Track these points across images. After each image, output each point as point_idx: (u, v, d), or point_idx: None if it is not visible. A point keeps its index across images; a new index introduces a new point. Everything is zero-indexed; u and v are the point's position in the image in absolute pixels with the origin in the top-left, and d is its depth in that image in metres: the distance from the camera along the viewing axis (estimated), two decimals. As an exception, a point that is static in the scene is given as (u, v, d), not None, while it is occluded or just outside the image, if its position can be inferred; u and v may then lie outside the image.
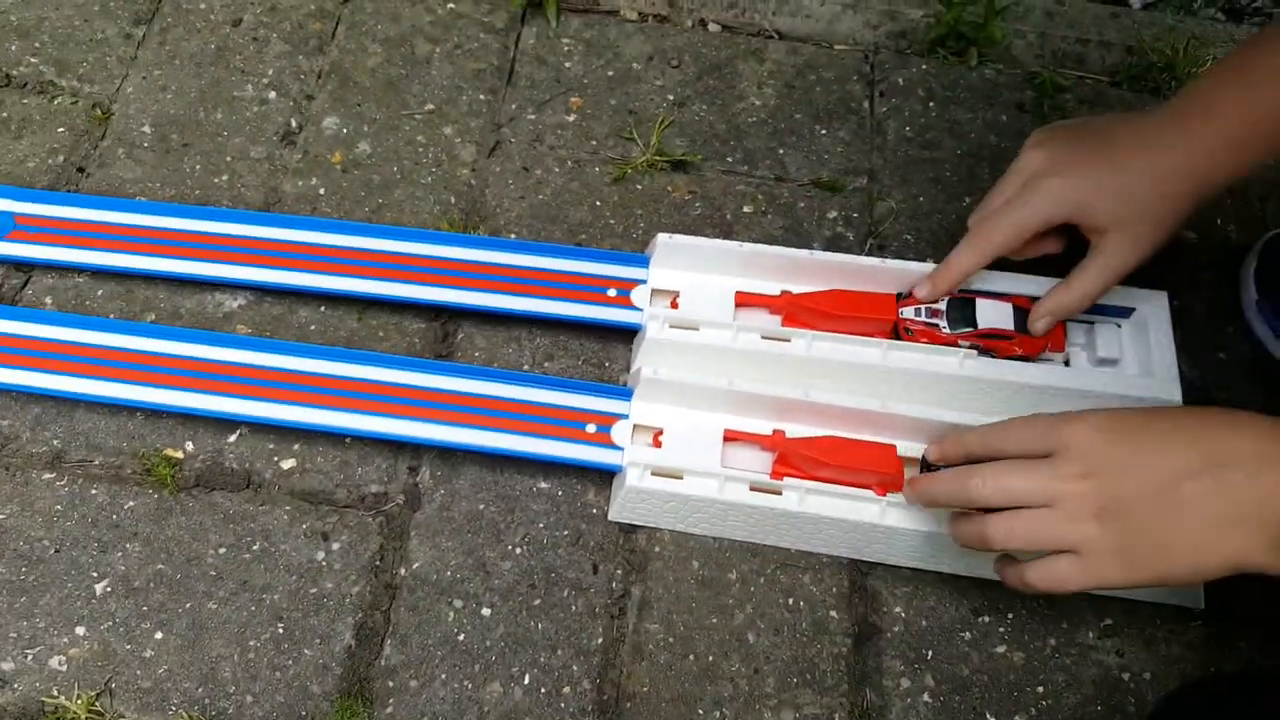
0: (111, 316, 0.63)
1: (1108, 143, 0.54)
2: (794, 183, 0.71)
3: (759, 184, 0.70)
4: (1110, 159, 0.53)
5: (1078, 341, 0.62)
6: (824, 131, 0.73)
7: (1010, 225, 0.55)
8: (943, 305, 0.60)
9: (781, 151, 0.72)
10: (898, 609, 0.57)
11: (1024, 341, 0.59)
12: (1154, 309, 0.62)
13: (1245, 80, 0.52)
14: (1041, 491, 0.46)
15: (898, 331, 0.61)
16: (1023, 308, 0.60)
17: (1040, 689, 0.56)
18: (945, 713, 0.55)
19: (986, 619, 0.57)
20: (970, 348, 0.60)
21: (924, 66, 0.76)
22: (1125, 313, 0.62)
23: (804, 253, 0.63)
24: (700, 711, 0.54)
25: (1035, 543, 0.46)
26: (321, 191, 0.68)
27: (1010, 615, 0.57)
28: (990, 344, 0.60)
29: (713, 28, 0.77)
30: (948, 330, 0.60)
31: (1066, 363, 0.62)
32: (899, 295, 0.62)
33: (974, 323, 0.60)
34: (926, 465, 0.55)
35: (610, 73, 0.74)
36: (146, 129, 0.70)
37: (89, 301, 0.64)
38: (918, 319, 0.60)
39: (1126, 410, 0.47)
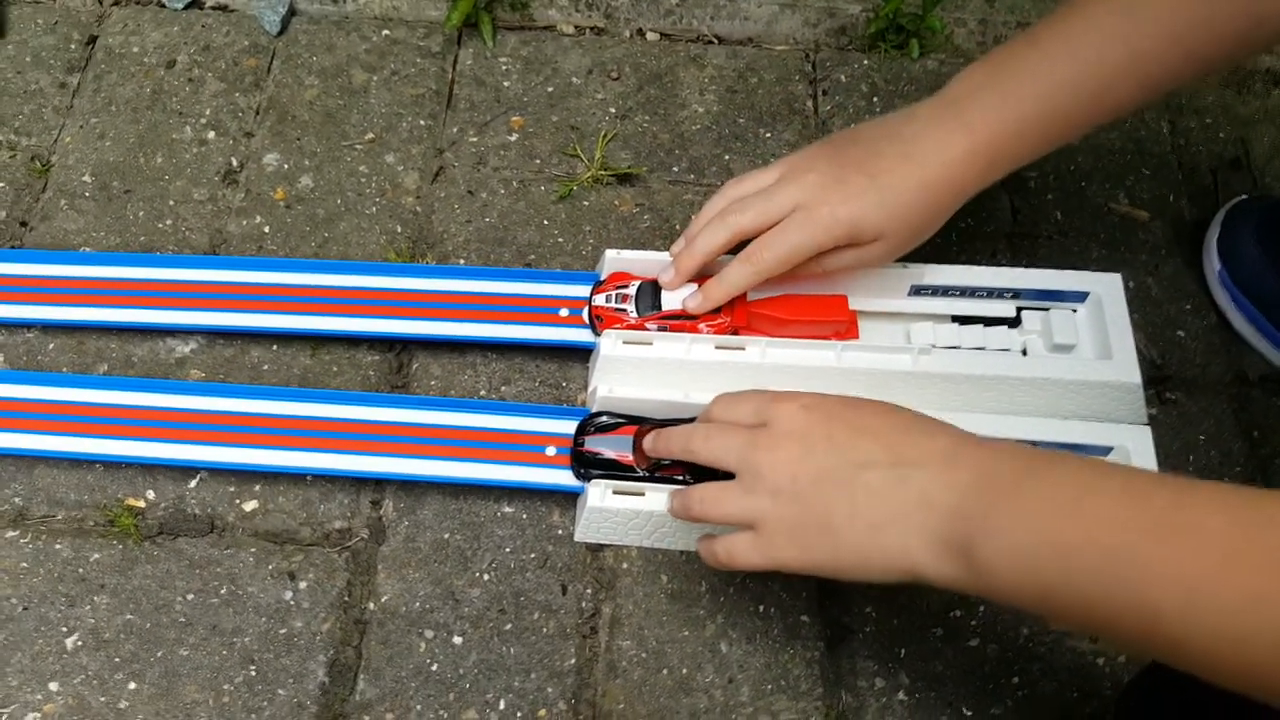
0: (64, 370, 0.67)
1: (873, 157, 0.58)
2: (743, 188, 0.75)
3: (707, 192, 0.75)
4: (876, 178, 0.57)
5: (1034, 328, 0.67)
6: (769, 134, 0.78)
7: (787, 250, 0.59)
8: (632, 291, 0.65)
9: (727, 158, 0.77)
10: (869, 609, 0.62)
11: (706, 318, 0.64)
12: (1109, 291, 0.67)
13: (998, 91, 0.56)
14: (736, 457, 0.50)
15: (590, 320, 0.66)
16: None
17: (1015, 679, 0.60)
18: (921, 709, 0.59)
19: (958, 613, 0.62)
20: (658, 329, 0.64)
21: (865, 62, 0.81)
22: (1080, 297, 0.67)
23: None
24: (676, 724, 0.58)
25: (717, 512, 0.51)
26: (266, 230, 0.73)
27: (981, 609, 0.62)
28: (677, 325, 0.64)
29: (651, 36, 0.82)
30: (635, 315, 0.65)
31: (1024, 351, 0.67)
32: (596, 281, 0.67)
33: (659, 306, 0.64)
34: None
35: (550, 89, 0.79)
36: (87, 178, 0.74)
37: (40, 356, 0.68)
38: (608, 305, 0.65)
39: (840, 398, 0.51)
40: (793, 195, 0.58)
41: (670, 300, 0.64)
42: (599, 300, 0.66)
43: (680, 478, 0.60)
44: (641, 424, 0.61)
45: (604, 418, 0.62)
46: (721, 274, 0.62)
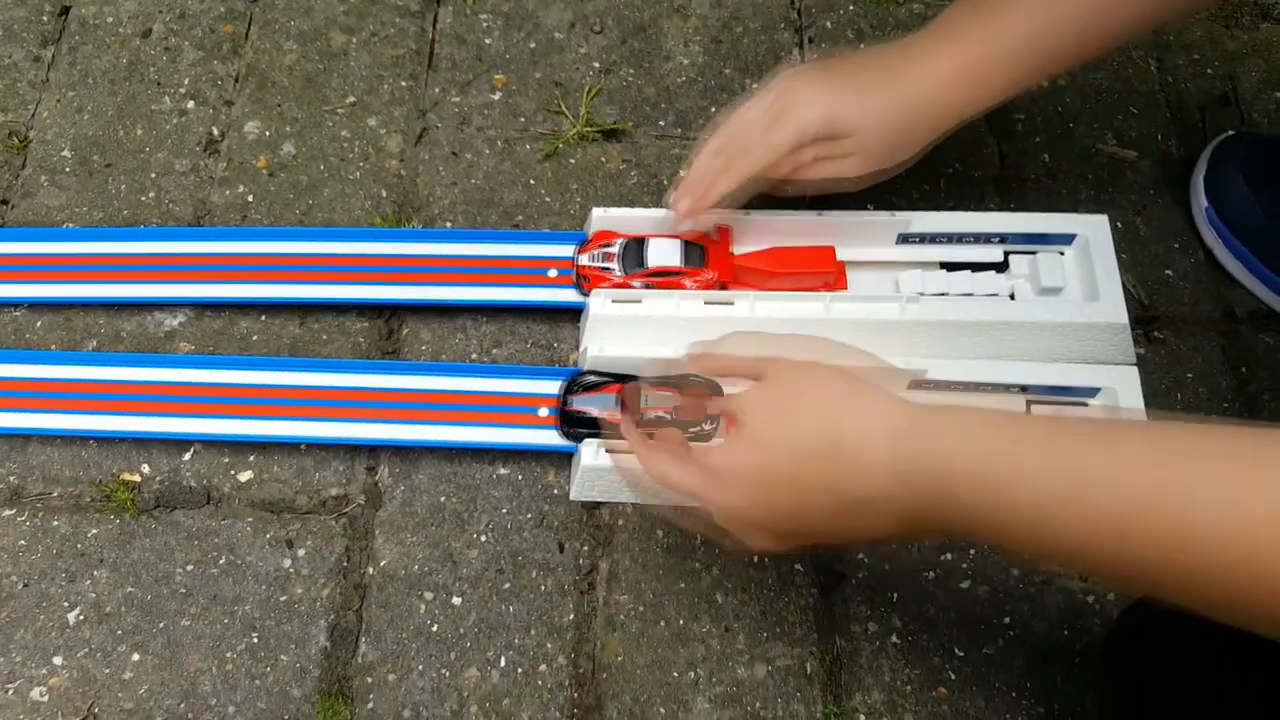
0: (53, 347, 0.66)
1: (858, 71, 0.57)
2: (728, 141, 0.74)
3: (693, 146, 0.73)
4: (858, 85, 0.56)
5: (1021, 272, 0.66)
6: (755, 84, 0.75)
7: (763, 147, 0.58)
8: (617, 249, 0.64)
9: (714, 110, 0.75)
10: (861, 555, 0.62)
11: (692, 274, 0.64)
12: (1095, 233, 0.66)
13: (987, 17, 0.55)
14: (693, 485, 0.48)
15: (576, 279, 0.65)
16: (693, 243, 0.64)
17: (1007, 620, 0.60)
18: (914, 651, 0.59)
19: (949, 557, 0.62)
20: (644, 286, 0.64)
21: (851, 8, 0.79)
22: (1067, 240, 0.66)
23: (741, 213, 0.66)
24: (675, 674, 0.58)
25: (703, 519, 0.49)
26: (250, 198, 0.71)
27: (972, 552, 0.62)
28: (661, 282, 0.64)
29: (633, -12, 0.80)
30: (621, 273, 0.64)
31: (1012, 295, 0.65)
32: (581, 241, 0.66)
33: (644, 263, 0.64)
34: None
35: (532, 45, 0.77)
36: (67, 153, 0.72)
37: (29, 334, 0.67)
38: (593, 265, 0.65)
39: (791, 380, 0.48)
40: (774, 92, 0.58)
41: (655, 257, 0.63)
42: (584, 260, 0.65)
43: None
44: (627, 382, 0.60)
45: (590, 377, 0.62)
46: (708, 185, 0.61)
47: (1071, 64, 0.57)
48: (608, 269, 0.64)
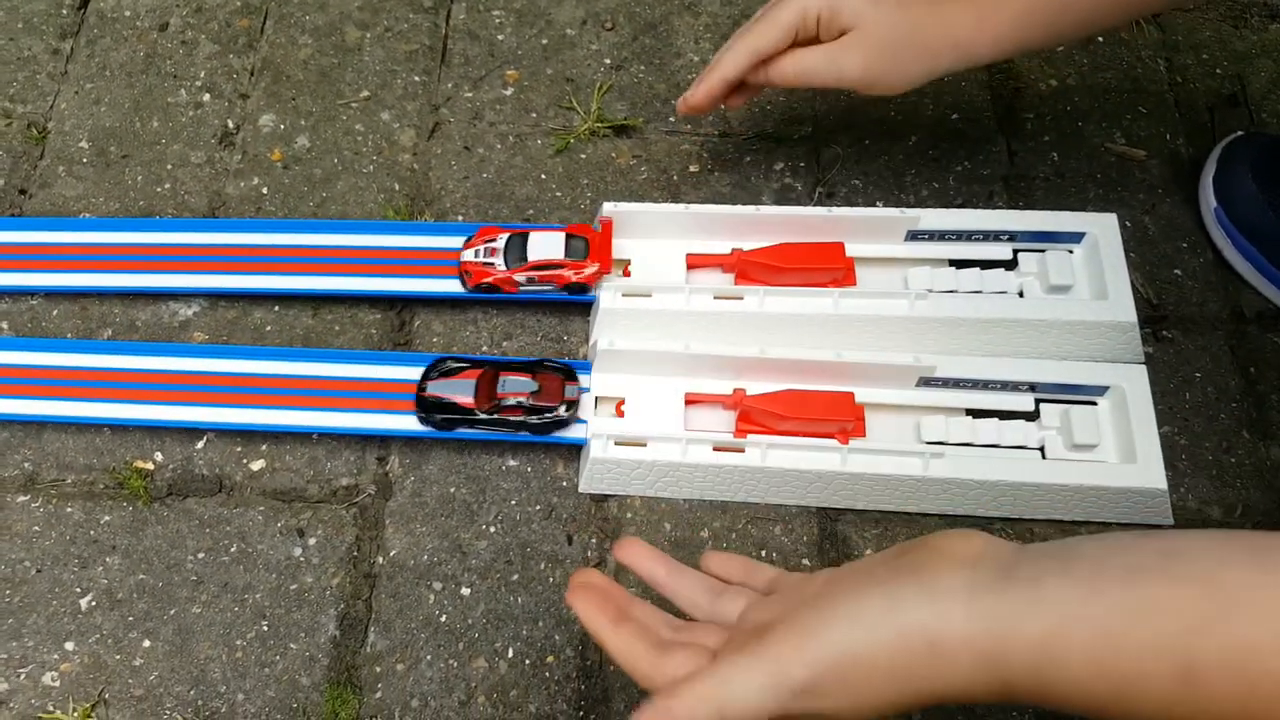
0: (68, 335, 0.66)
1: None
2: (738, 137, 0.73)
3: (703, 142, 0.73)
4: None
5: (1030, 270, 0.65)
6: (765, 82, 0.75)
7: (765, 22, 0.58)
8: (500, 244, 0.64)
9: (723, 106, 0.74)
10: (869, 551, 0.61)
11: (574, 266, 0.63)
12: (1104, 232, 0.65)
13: None
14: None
15: (461, 275, 0.65)
16: (576, 234, 0.64)
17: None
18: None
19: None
20: (527, 280, 0.64)
21: (861, 6, 0.78)
22: (1076, 238, 0.65)
23: (750, 209, 0.66)
24: (682, 667, 0.58)
25: None
26: (264, 191, 0.71)
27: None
28: (545, 276, 0.64)
29: (645, -14, 0.79)
30: (504, 268, 0.64)
31: (1020, 293, 0.65)
32: (468, 236, 0.66)
33: (526, 258, 0.63)
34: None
35: (544, 41, 0.77)
36: (84, 144, 0.72)
37: (45, 322, 0.66)
38: (476, 260, 0.64)
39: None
40: None
41: (536, 251, 0.63)
42: (468, 255, 0.65)
43: (518, 419, 0.59)
44: (485, 367, 0.61)
45: (449, 363, 0.62)
46: (711, 65, 0.61)
47: (1090, 27, 0.58)
48: (490, 264, 0.64)
